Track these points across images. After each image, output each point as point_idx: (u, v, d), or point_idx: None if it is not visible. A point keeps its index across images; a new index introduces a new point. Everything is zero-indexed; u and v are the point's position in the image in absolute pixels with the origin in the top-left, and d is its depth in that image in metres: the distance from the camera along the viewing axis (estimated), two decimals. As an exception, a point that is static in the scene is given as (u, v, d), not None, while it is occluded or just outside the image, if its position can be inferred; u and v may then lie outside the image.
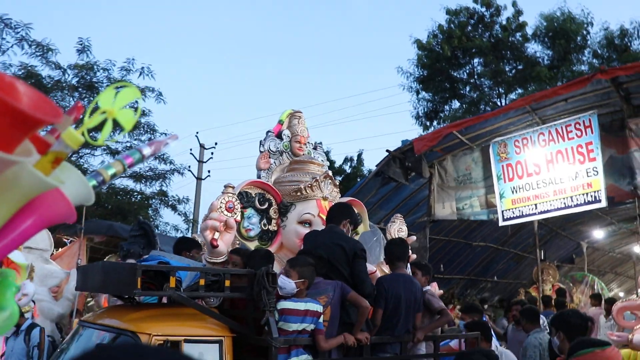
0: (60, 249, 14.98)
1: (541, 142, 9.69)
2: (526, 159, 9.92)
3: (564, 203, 9.44)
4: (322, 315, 4.00)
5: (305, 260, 4.19)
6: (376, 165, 10.70)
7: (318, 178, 5.34)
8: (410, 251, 5.77)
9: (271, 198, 5.41)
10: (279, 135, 5.88)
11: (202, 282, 3.77)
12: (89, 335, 4.03)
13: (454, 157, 11.02)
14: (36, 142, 1.20)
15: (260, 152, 5.71)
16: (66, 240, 16.04)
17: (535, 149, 9.77)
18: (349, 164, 26.81)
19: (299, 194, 5.32)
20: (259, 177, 5.59)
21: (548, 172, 9.62)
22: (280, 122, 5.98)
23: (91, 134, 1.29)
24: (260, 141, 5.76)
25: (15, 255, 10.50)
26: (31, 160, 1.15)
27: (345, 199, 5.96)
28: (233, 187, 5.02)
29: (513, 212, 10.07)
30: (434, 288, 5.67)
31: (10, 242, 1.15)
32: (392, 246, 4.98)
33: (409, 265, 5.21)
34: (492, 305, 16.16)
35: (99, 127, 1.26)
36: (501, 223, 10.29)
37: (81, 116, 1.29)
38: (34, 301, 9.69)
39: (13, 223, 1.16)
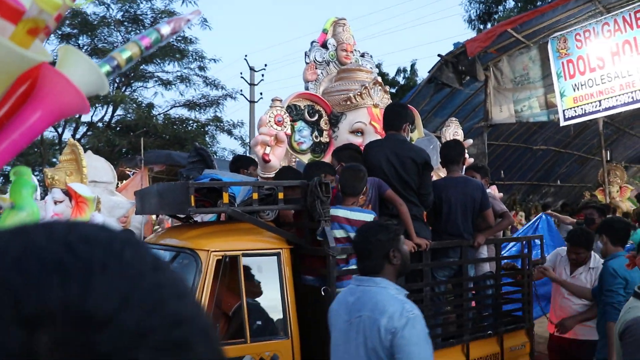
0: (124, 181, 15.50)
1: (605, 33, 9.05)
2: (588, 53, 9.34)
3: (632, 97, 8.90)
4: None
5: (345, 167, 4.12)
6: (428, 72, 10.31)
7: (367, 85, 5.16)
8: (466, 153, 5.60)
9: (321, 109, 5.29)
10: (324, 45, 5.67)
11: (255, 196, 3.73)
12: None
13: (510, 57, 10.47)
14: (6, 11, 1.08)
15: (306, 63, 5.54)
16: (129, 173, 16.57)
17: (599, 42, 9.16)
18: (402, 75, 26.13)
19: (348, 102, 5.18)
20: (307, 89, 5.46)
21: (613, 65, 9.04)
22: (325, 31, 5.76)
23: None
24: (305, 52, 5.58)
25: (82, 189, 10.93)
26: (3, 32, 1.04)
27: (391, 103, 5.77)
28: (281, 101, 4.92)
29: (575, 111, 9.60)
30: (493, 191, 5.52)
31: (20, 137, 1.07)
32: (446, 149, 4.79)
33: (463, 168, 4.99)
34: (556, 210, 15.80)
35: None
36: (562, 123, 9.85)
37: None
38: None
39: (20, 117, 1.08)
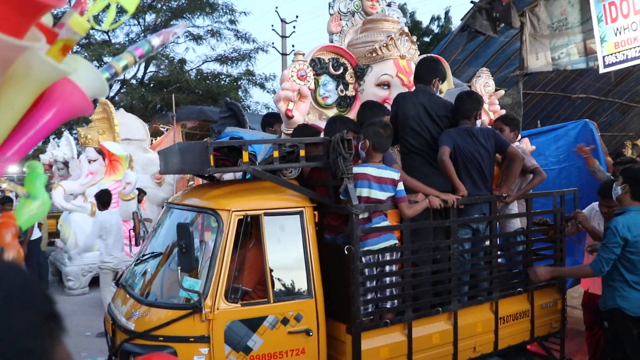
0: (158, 138, 15.62)
1: (651, -29, 8.52)
2: (633, -6, 8.81)
3: (678, 41, 8.42)
4: (399, 183, 3.82)
5: (371, 122, 3.99)
6: (461, 19, 9.91)
7: (393, 36, 4.97)
8: (497, 105, 5.42)
9: (346, 62, 5.13)
10: (349, -5, 5.46)
11: (275, 153, 3.65)
12: (175, 215, 4.11)
13: (547, 1, 9.97)
14: (44, 32, 1.25)
15: (330, 14, 5.37)
16: (162, 129, 16.69)
17: (644, -19, 8.63)
18: (436, 23, 25.38)
19: (374, 54, 5.00)
20: (331, 41, 5.29)
21: (659, 6, 8.53)
22: (349, -20, 5.53)
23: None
24: (329, 3, 5.39)
25: (115, 147, 11.05)
26: (41, 46, 1.21)
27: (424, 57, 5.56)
28: (303, 55, 4.78)
29: (616, 57, 9.14)
30: (525, 145, 5.32)
31: (34, 135, 1.25)
32: (459, 101, 4.39)
33: (479, 120, 4.67)
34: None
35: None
36: (602, 70, 9.40)
37: (87, 8, 1.37)
38: (138, 189, 10.20)
39: (34, 117, 1.25)
